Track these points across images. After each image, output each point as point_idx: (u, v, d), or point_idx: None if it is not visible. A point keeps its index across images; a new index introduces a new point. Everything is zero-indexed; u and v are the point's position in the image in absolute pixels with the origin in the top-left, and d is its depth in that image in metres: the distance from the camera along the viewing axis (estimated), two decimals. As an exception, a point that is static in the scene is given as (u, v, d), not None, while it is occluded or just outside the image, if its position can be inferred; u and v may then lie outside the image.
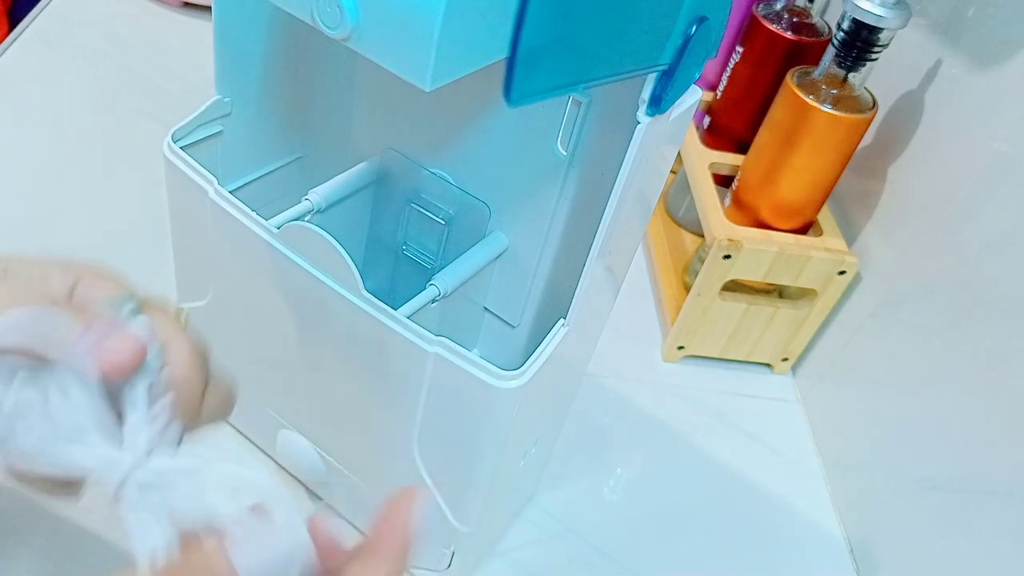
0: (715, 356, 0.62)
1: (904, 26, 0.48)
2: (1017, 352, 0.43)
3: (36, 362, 0.24)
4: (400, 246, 0.48)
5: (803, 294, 0.59)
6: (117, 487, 0.24)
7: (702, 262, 0.56)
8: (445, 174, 0.45)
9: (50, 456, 0.24)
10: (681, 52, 0.28)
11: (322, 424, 0.43)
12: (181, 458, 0.25)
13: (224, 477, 0.25)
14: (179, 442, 0.26)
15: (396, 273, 0.50)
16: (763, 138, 0.56)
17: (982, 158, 0.47)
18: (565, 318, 0.35)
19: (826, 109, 0.51)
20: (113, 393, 0.25)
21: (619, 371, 0.60)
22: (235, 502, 0.24)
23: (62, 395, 0.24)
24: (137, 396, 0.25)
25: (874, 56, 0.50)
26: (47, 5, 0.79)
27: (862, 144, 0.54)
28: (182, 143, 0.39)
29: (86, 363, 0.24)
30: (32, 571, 0.42)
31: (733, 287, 0.59)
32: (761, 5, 0.60)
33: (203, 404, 0.28)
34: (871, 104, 0.52)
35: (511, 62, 0.24)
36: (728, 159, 0.63)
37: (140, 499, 0.24)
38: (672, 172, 0.70)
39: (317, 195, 0.43)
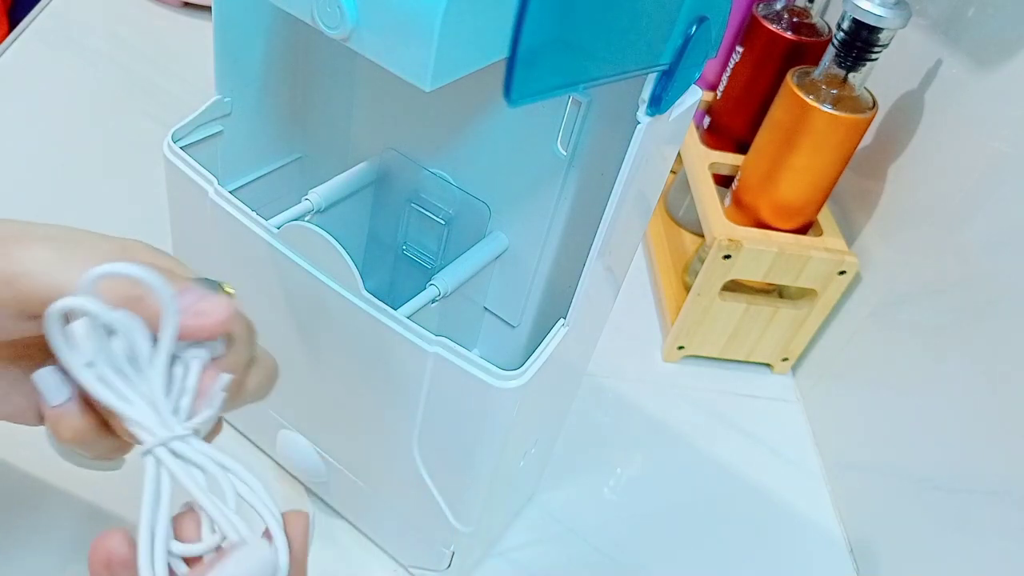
0: (715, 356, 0.62)
1: (904, 26, 0.48)
2: (1017, 352, 0.43)
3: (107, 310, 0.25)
4: (400, 246, 0.48)
5: (803, 294, 0.59)
6: (151, 448, 0.25)
7: (702, 262, 0.56)
8: (445, 174, 0.45)
9: (105, 389, 0.25)
10: (681, 52, 0.28)
11: (322, 424, 0.43)
12: (217, 449, 0.26)
13: (244, 485, 0.26)
14: (220, 415, 0.27)
15: (396, 273, 0.50)
16: (763, 138, 0.56)
17: (982, 158, 0.47)
18: (565, 318, 0.35)
19: (826, 109, 0.51)
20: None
21: (619, 371, 0.60)
22: (240, 515, 0.25)
23: (129, 346, 0.25)
24: (190, 364, 0.26)
25: (874, 56, 0.50)
26: (47, 5, 0.79)
27: (862, 144, 0.54)
28: (182, 143, 0.39)
29: (171, 321, 0.25)
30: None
31: (733, 287, 0.59)
32: (761, 5, 0.60)
33: (246, 382, 0.29)
34: (871, 104, 0.52)
35: (511, 62, 0.24)
36: (728, 159, 0.63)
37: (166, 466, 0.25)
38: (672, 172, 0.70)
39: (317, 195, 0.43)
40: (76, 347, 0.25)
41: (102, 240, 0.28)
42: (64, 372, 0.28)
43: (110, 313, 0.24)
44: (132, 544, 0.25)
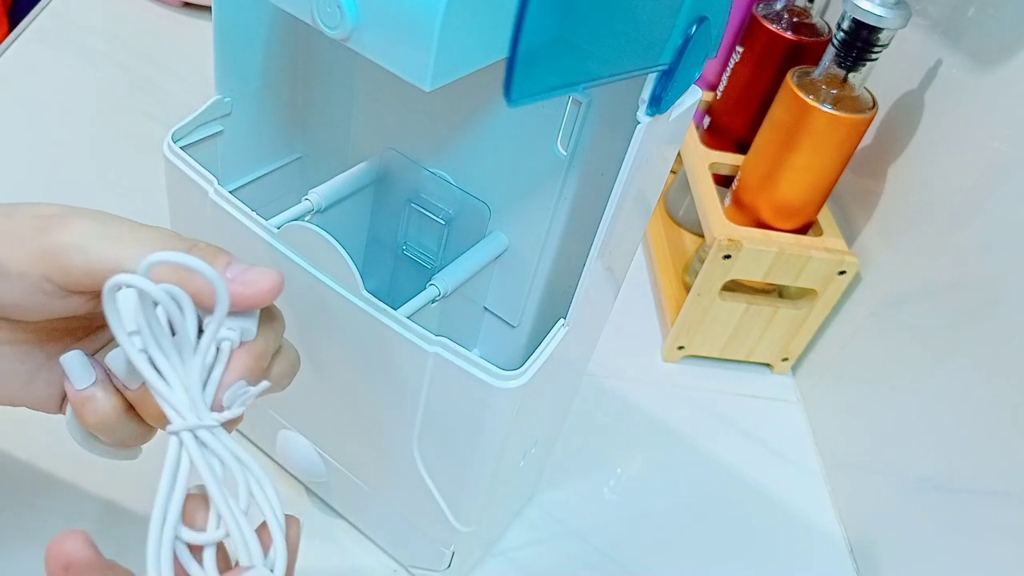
0: (715, 356, 0.62)
1: (904, 26, 0.48)
2: (1017, 352, 0.43)
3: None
4: (400, 246, 0.48)
5: (803, 294, 0.59)
6: (178, 431, 0.25)
7: (702, 262, 0.56)
8: (445, 174, 0.45)
9: (144, 362, 0.26)
10: (681, 52, 0.28)
11: (322, 424, 0.43)
12: (241, 447, 0.26)
13: (258, 487, 0.26)
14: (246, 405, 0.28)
15: (396, 273, 0.50)
16: (763, 138, 0.56)
17: (982, 158, 0.47)
18: (565, 318, 0.35)
19: (826, 109, 0.51)
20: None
21: (619, 371, 0.60)
22: (248, 517, 0.26)
23: (175, 325, 0.26)
24: (222, 347, 0.27)
25: (874, 56, 0.50)
26: (47, 5, 0.79)
27: (862, 144, 0.54)
28: (182, 143, 0.39)
29: (221, 311, 0.26)
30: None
31: (733, 287, 0.59)
32: (761, 5, 0.60)
33: (271, 371, 0.30)
34: (871, 104, 0.52)
35: (511, 62, 0.24)
36: (728, 159, 0.63)
37: (188, 451, 0.25)
38: (672, 172, 0.70)
39: (317, 195, 0.43)
40: (123, 317, 0.25)
41: (137, 224, 0.29)
42: (91, 356, 0.29)
43: (162, 292, 0.25)
44: (92, 546, 0.24)
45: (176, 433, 0.25)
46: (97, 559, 0.24)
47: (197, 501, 0.26)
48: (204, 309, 0.26)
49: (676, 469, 0.55)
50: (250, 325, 0.28)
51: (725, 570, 0.51)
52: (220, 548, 0.26)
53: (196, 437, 0.26)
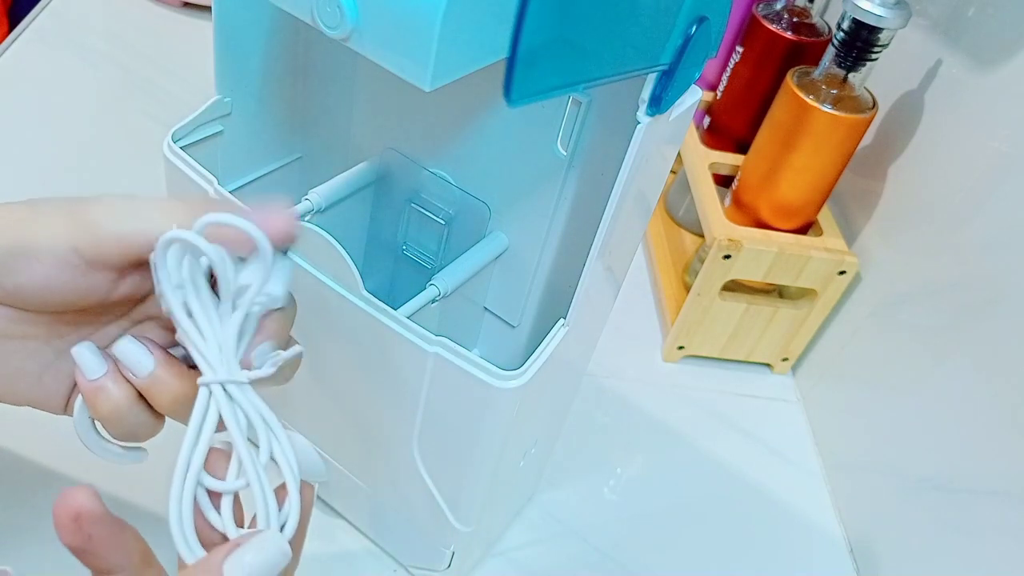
0: (715, 356, 0.62)
1: (904, 26, 0.48)
2: (1017, 352, 0.43)
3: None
4: (400, 246, 0.48)
5: (803, 294, 0.59)
6: (209, 383, 0.27)
7: (702, 262, 0.57)
8: (445, 174, 0.45)
9: (183, 314, 0.27)
10: (681, 52, 0.28)
11: (322, 424, 0.43)
12: (267, 407, 0.28)
13: (279, 446, 0.28)
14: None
15: (396, 273, 0.50)
16: (763, 138, 0.56)
17: (982, 158, 0.47)
18: (565, 318, 0.35)
19: (826, 109, 0.51)
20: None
21: (619, 371, 0.60)
22: (264, 474, 0.27)
23: (220, 281, 0.27)
24: (251, 316, 0.28)
25: (874, 56, 0.50)
26: (47, 5, 0.79)
27: (862, 144, 0.54)
28: (182, 143, 0.39)
29: (266, 257, 0.27)
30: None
31: (733, 287, 0.59)
32: (761, 5, 0.60)
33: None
34: (871, 104, 0.52)
35: (511, 62, 0.24)
36: (728, 159, 0.63)
37: (217, 402, 0.27)
38: (672, 172, 0.70)
39: (317, 195, 0.43)
40: (170, 272, 0.27)
41: (165, 199, 0.30)
42: (101, 348, 0.30)
43: (213, 250, 0.26)
44: (99, 499, 0.25)
45: (207, 385, 0.27)
46: (105, 512, 0.25)
47: (219, 455, 0.27)
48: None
49: (676, 469, 0.55)
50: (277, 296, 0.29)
51: (725, 570, 0.51)
52: (236, 503, 0.27)
53: (225, 390, 0.27)
